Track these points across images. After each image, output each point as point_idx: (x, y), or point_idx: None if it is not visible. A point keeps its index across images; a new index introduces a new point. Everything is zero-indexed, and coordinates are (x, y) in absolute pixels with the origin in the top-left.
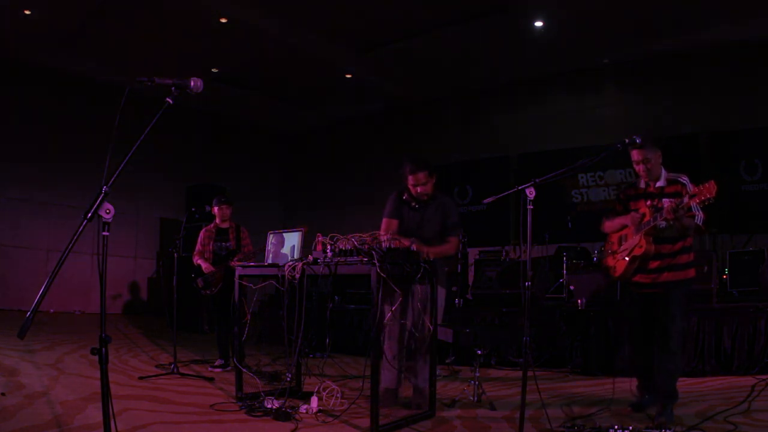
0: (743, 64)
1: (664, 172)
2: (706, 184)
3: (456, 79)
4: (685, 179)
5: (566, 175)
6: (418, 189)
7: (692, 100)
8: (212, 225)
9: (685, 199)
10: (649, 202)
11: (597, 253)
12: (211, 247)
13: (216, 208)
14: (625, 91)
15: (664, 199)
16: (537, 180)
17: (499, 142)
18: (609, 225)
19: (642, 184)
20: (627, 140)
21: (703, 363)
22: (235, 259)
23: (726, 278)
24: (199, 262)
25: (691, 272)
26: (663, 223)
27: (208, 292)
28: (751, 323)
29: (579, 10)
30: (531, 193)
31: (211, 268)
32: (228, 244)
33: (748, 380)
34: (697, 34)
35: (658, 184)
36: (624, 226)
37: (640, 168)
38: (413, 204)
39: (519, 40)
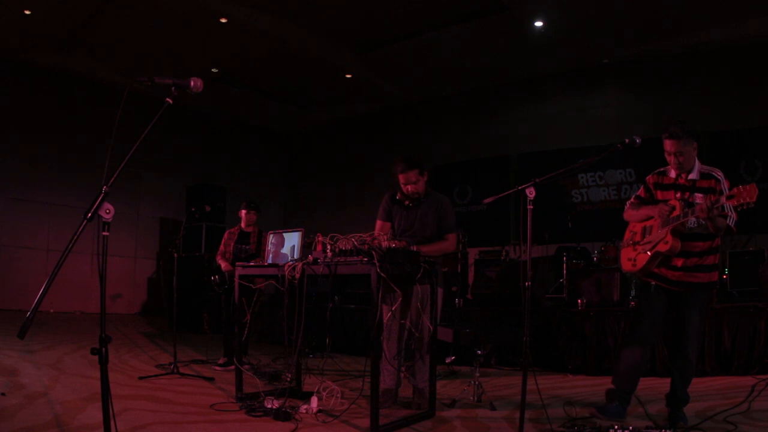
0: (743, 65)
1: (697, 164)
2: (747, 187)
3: (456, 79)
4: (719, 174)
5: (566, 175)
6: (409, 188)
7: (692, 100)
8: (236, 228)
9: (722, 200)
10: (679, 195)
11: (597, 253)
12: (231, 248)
13: (243, 212)
14: (625, 91)
15: (696, 194)
16: (537, 180)
17: (499, 142)
18: (633, 214)
19: (673, 174)
20: (627, 140)
21: (703, 363)
22: (253, 262)
23: (726, 278)
24: (220, 261)
25: (716, 275)
26: (693, 221)
27: (225, 287)
28: (751, 323)
29: (579, 10)
30: (531, 193)
31: (229, 267)
32: (248, 248)
33: (748, 380)
34: (697, 35)
35: (691, 176)
36: (649, 217)
37: (671, 159)
38: (406, 203)
39: (519, 40)
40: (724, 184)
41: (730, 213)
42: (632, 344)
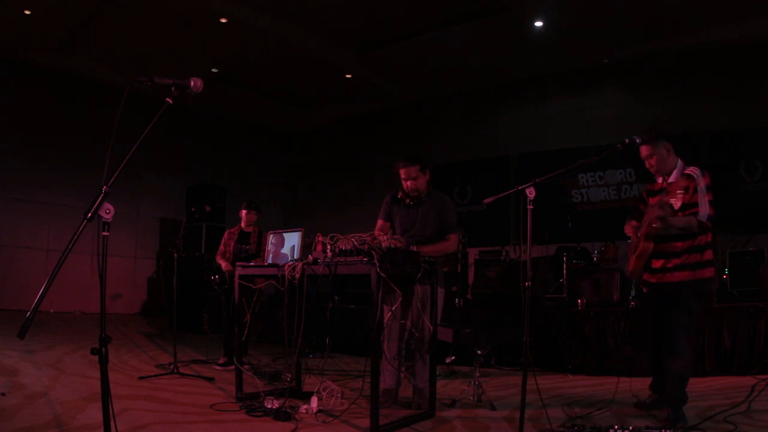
0: (743, 65)
1: (679, 165)
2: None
3: (456, 79)
4: (696, 172)
5: (566, 175)
6: (409, 183)
7: (692, 100)
8: (236, 228)
9: (663, 199)
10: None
11: (597, 253)
12: (231, 248)
13: (243, 212)
14: (625, 91)
15: None
16: (537, 180)
17: (499, 142)
18: (626, 227)
19: (660, 179)
20: (627, 140)
21: (703, 363)
22: (253, 262)
23: (726, 278)
24: (220, 261)
25: (706, 272)
26: (657, 224)
27: (225, 287)
28: (751, 323)
29: (579, 10)
30: (531, 193)
31: (230, 267)
32: (248, 248)
33: (748, 380)
34: (697, 35)
35: (670, 179)
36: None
37: (647, 164)
38: (407, 201)
39: (519, 40)
40: (701, 182)
41: (702, 209)
42: (645, 349)
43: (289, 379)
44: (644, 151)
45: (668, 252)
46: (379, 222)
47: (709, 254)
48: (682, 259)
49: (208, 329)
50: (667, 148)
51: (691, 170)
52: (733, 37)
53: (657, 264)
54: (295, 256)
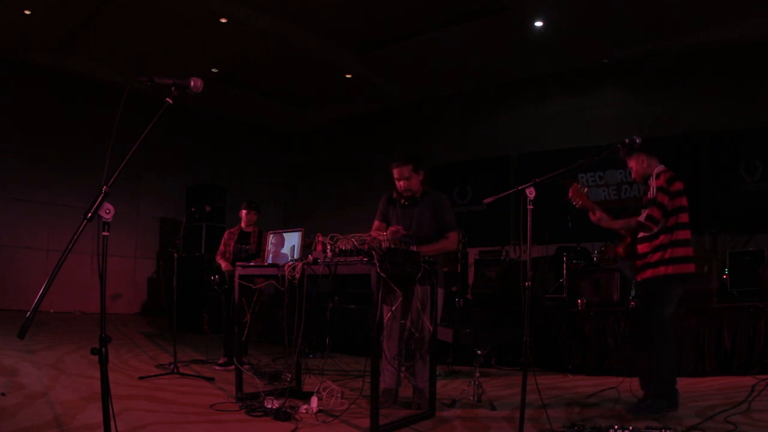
0: (743, 65)
1: (656, 170)
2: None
3: (456, 79)
4: (654, 171)
5: (566, 175)
6: (402, 183)
7: (692, 100)
8: (236, 228)
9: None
10: None
11: (597, 253)
12: (231, 248)
13: (243, 212)
14: (625, 91)
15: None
16: (537, 180)
17: (499, 142)
18: None
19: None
20: (627, 140)
21: (703, 363)
22: (253, 262)
23: (726, 278)
24: (220, 261)
25: (669, 269)
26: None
27: (225, 287)
28: (751, 323)
29: (579, 10)
30: (531, 193)
31: (230, 267)
32: (248, 248)
33: (748, 380)
34: (697, 35)
35: (649, 182)
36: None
37: (630, 171)
38: (402, 201)
39: (519, 40)
40: (653, 183)
41: (645, 210)
42: (639, 348)
43: (289, 379)
44: (628, 162)
45: (641, 253)
46: (376, 223)
47: (674, 252)
48: (647, 258)
49: (208, 329)
50: (641, 159)
51: (654, 171)
52: (733, 37)
53: (638, 264)
54: (295, 256)
